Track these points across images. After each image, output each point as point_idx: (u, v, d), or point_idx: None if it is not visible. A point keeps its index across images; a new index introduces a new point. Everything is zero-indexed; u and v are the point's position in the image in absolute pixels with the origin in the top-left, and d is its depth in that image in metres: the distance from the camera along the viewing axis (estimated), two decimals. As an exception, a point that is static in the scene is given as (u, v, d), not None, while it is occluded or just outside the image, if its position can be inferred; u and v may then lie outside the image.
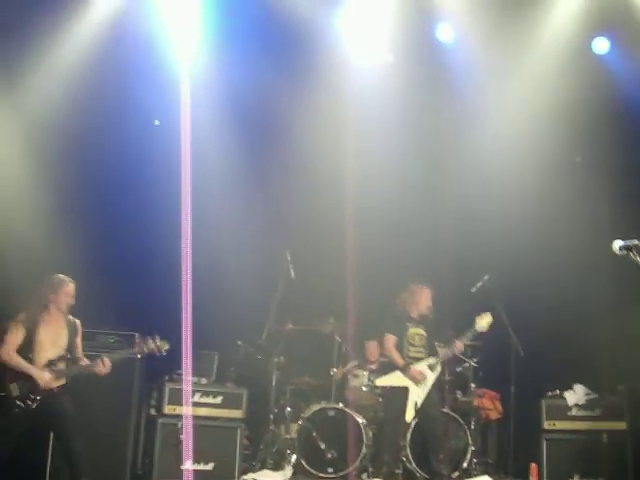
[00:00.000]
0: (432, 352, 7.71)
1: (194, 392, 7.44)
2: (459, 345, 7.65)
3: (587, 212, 8.44)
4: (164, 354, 6.40)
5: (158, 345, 6.33)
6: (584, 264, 8.21)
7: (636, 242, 4.24)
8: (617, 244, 4.33)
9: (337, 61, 8.34)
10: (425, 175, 8.97)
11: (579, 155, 8.79)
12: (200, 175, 7.74)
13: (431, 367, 7.60)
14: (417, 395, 7.49)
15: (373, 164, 8.51)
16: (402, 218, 8.78)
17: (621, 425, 7.75)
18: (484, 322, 7.57)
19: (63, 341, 6.06)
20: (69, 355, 6.07)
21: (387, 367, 7.75)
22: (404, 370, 7.52)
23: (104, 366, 6.04)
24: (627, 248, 4.28)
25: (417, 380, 7.49)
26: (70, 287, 6.15)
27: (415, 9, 8.09)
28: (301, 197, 8.75)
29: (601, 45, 8.44)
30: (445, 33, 8.55)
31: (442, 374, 7.88)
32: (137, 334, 7.22)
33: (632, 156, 8.35)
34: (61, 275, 6.19)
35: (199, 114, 7.95)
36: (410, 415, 7.44)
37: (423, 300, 7.72)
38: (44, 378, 5.87)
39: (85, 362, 6.17)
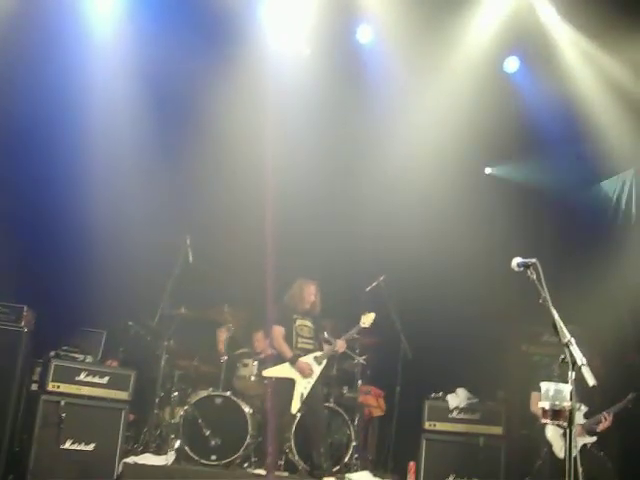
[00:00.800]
0: (319, 344, 7.87)
1: (80, 370, 7.23)
2: (341, 344, 7.83)
3: (487, 224, 8.75)
4: None
5: None
6: (477, 274, 8.47)
7: (534, 261, 4.43)
8: (516, 261, 4.52)
9: (258, 48, 8.27)
10: (334, 173, 9.03)
11: (489, 167, 9.05)
12: (108, 145, 7.54)
13: (317, 360, 7.73)
14: (303, 387, 7.60)
15: (284, 156, 8.47)
16: (307, 214, 8.80)
17: (497, 430, 8.06)
18: (368, 319, 7.80)
19: None
20: None
21: (277, 358, 7.82)
22: (292, 362, 7.63)
23: None
24: (525, 265, 4.46)
25: (304, 373, 7.60)
26: None
27: (338, 7, 8.13)
28: (210, 182, 8.63)
29: (512, 64, 8.77)
30: (365, 35, 8.65)
31: (330, 369, 8.03)
32: (25, 306, 7.03)
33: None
34: None
35: (113, 81, 7.75)
36: (296, 407, 7.54)
37: (307, 295, 7.87)
38: None
39: None
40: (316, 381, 7.68)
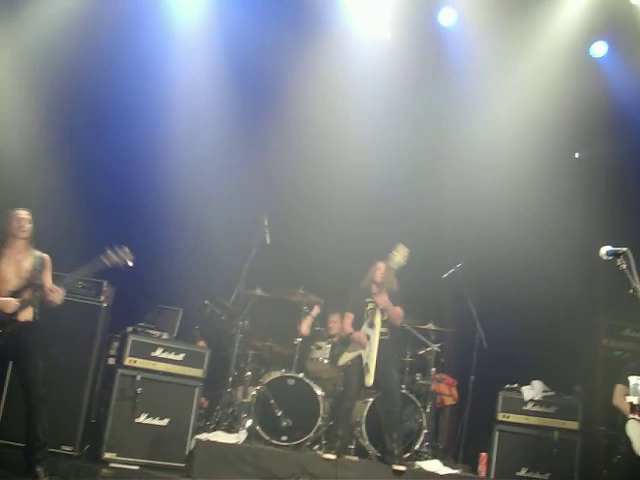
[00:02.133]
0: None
1: (156, 346, 7.36)
2: (381, 298, 7.47)
3: (571, 211, 8.53)
4: (130, 265, 6.23)
5: (125, 255, 6.19)
6: (558, 264, 8.27)
7: (625, 249, 4.29)
8: (605, 249, 4.38)
9: (339, 32, 8.24)
10: (414, 156, 8.90)
11: (577, 151, 8.80)
12: (189, 127, 7.63)
13: (370, 324, 7.56)
14: (366, 356, 7.46)
15: (364, 138, 8.45)
16: (385, 197, 8.74)
17: (573, 425, 7.87)
18: (399, 257, 7.39)
19: (26, 273, 5.92)
20: (34, 286, 5.93)
21: (347, 340, 7.78)
22: (350, 339, 7.60)
23: (57, 293, 5.91)
24: (615, 254, 4.32)
25: (362, 342, 7.50)
26: (21, 214, 5.96)
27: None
28: (290, 165, 8.65)
29: (600, 48, 8.50)
30: (447, 17, 8.51)
31: (401, 348, 7.92)
32: (105, 282, 7.17)
33: (627, 160, 8.44)
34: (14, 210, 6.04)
35: (195, 65, 7.84)
36: (369, 379, 7.37)
37: (378, 274, 7.69)
38: (9, 304, 5.75)
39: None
40: (380, 349, 7.42)
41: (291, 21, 8.26)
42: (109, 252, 6.14)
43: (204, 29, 8.16)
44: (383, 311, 7.53)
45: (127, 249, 6.20)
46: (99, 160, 8.07)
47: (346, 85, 8.45)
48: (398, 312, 7.59)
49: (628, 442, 6.74)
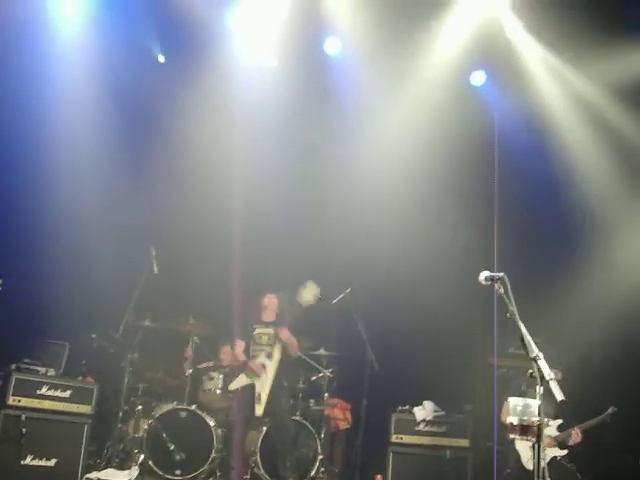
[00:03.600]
0: None
1: (42, 384, 7.11)
2: (284, 331, 7.56)
3: (453, 239, 8.78)
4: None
5: None
6: (444, 287, 8.47)
7: (502, 275, 4.44)
8: (483, 275, 4.53)
9: (225, 59, 8.25)
10: (301, 184, 8.96)
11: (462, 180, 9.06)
12: (72, 156, 7.44)
13: (268, 355, 7.64)
14: (260, 386, 7.53)
15: (251, 167, 8.46)
16: (274, 226, 8.72)
17: (464, 442, 8.10)
18: (308, 294, 7.50)
19: None
20: None
21: (240, 370, 7.76)
22: (244, 368, 7.61)
23: None
24: (492, 279, 4.48)
25: (257, 371, 7.55)
26: None
27: (306, 19, 8.14)
28: (176, 194, 8.56)
29: (478, 77, 8.86)
30: (333, 47, 8.68)
31: (294, 375, 7.97)
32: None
33: (503, 187, 8.76)
34: None
35: (77, 94, 7.67)
36: (259, 410, 7.45)
37: (267, 305, 7.83)
38: None
39: None
40: (275, 380, 7.57)
41: (176, 47, 8.22)
42: None
43: (86, 54, 7.97)
44: (284, 345, 7.60)
45: None
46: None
47: (233, 111, 8.45)
48: (296, 345, 7.69)
49: (517, 456, 7.01)
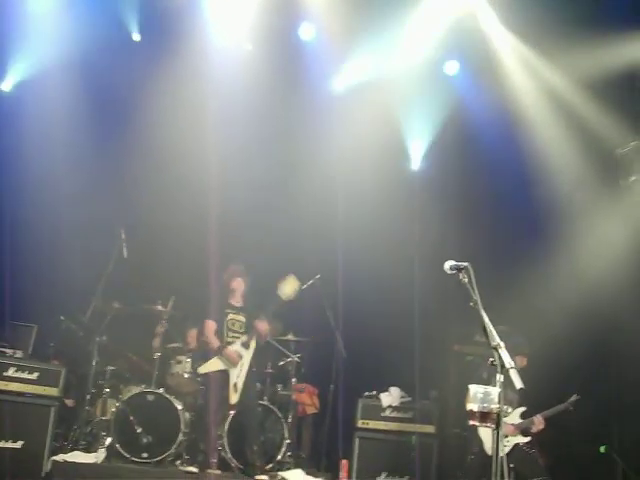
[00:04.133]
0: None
1: (8, 366, 7.07)
2: (262, 325, 7.65)
3: (422, 225, 8.83)
4: None
5: None
6: (412, 275, 8.53)
7: (466, 264, 4.50)
8: (448, 264, 4.59)
9: (200, 43, 8.24)
10: (273, 167, 8.95)
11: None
12: (42, 140, 7.37)
13: (245, 345, 7.68)
14: (236, 376, 7.57)
15: (223, 150, 8.39)
16: (244, 209, 8.72)
17: (430, 428, 8.17)
18: (288, 288, 7.63)
19: None
20: None
21: (207, 353, 7.77)
22: (219, 352, 7.61)
23: None
24: (457, 268, 4.53)
25: (234, 360, 7.58)
26: None
27: (280, 4, 8.15)
28: (146, 176, 8.50)
29: (452, 67, 8.93)
30: (307, 32, 8.69)
31: (263, 361, 8.01)
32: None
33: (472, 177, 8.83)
34: None
35: (49, 71, 7.59)
36: (234, 398, 7.50)
37: (234, 287, 7.84)
38: None
39: None
40: (249, 369, 7.64)
41: (149, 31, 8.16)
42: None
43: (60, 23, 7.91)
44: (258, 334, 7.68)
45: None
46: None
47: (206, 92, 8.40)
48: (268, 333, 7.79)
49: (480, 443, 7.11)
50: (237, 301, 7.87)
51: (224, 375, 7.57)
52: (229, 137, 8.49)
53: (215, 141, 8.36)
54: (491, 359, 4.18)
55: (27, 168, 7.95)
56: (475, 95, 8.79)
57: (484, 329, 4.25)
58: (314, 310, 7.95)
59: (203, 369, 7.70)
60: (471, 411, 4.27)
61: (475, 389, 4.26)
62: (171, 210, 8.48)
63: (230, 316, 7.80)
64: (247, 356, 7.66)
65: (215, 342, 7.66)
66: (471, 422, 4.32)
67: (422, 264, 8.05)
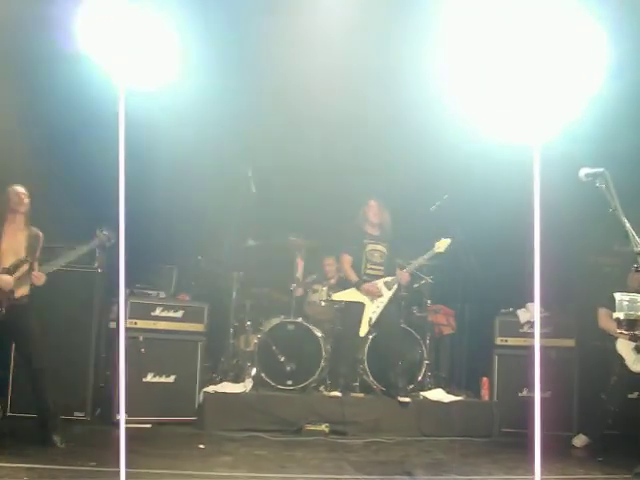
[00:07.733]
0: (391, 271, 7.87)
1: (155, 306, 7.48)
2: (404, 276, 7.82)
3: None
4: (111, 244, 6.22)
5: (107, 235, 6.22)
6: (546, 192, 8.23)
7: (602, 170, 4.35)
8: (583, 171, 4.44)
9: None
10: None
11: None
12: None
13: (387, 285, 7.79)
14: (372, 311, 7.71)
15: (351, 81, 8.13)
16: (366, 135, 8.61)
17: (570, 342, 8.07)
18: (443, 244, 7.72)
19: (23, 250, 5.99)
20: (29, 262, 6.00)
21: (346, 282, 7.93)
22: (358, 286, 7.72)
23: (39, 278, 5.98)
24: (593, 176, 4.39)
25: (372, 294, 7.69)
26: (19, 189, 6.04)
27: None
28: (266, 114, 8.53)
29: None
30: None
31: (399, 291, 8.06)
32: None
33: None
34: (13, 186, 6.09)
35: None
36: (364, 330, 7.67)
37: (371, 216, 7.85)
38: (6, 281, 5.82)
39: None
40: (387, 304, 7.76)
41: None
42: (97, 234, 6.18)
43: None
44: (401, 285, 7.87)
45: (107, 231, 6.17)
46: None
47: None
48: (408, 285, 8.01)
49: (621, 359, 6.93)
50: (375, 230, 7.90)
51: (359, 306, 7.72)
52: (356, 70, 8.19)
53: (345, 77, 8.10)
54: (635, 265, 4.06)
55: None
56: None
57: (626, 235, 4.12)
58: (444, 231, 7.84)
59: (338, 296, 7.88)
60: (617, 319, 4.18)
61: (620, 297, 4.17)
62: (295, 144, 8.45)
63: (369, 247, 7.85)
64: (387, 295, 7.77)
65: (353, 276, 7.79)
66: (618, 330, 4.24)
67: (554, 176, 7.72)
